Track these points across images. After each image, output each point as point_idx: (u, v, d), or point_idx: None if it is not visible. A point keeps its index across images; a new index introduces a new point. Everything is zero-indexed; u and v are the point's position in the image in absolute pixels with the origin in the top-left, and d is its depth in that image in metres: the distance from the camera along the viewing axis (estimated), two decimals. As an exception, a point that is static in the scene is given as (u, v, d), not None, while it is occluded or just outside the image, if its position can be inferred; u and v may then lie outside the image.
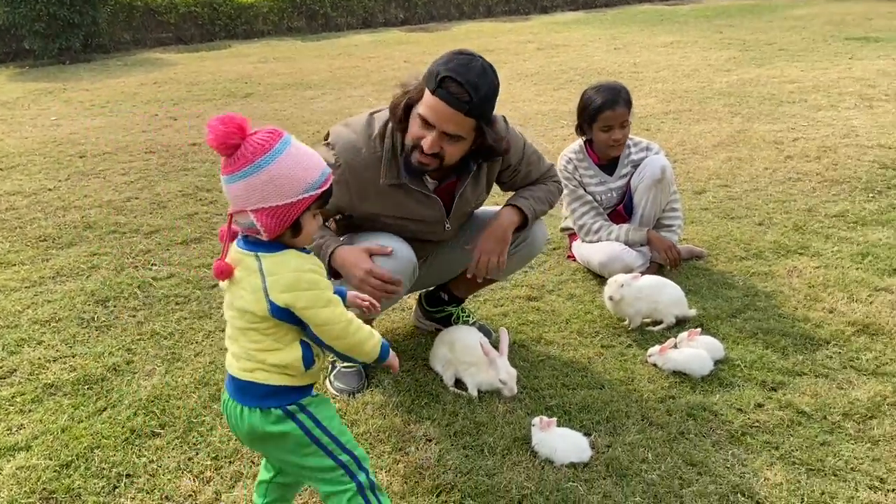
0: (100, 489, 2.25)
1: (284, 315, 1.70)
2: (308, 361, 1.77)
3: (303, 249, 1.76)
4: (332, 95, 8.46)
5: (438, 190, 2.62)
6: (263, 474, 1.99)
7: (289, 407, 1.75)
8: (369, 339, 1.80)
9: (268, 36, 14.53)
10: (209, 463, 2.34)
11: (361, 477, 1.81)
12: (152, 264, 3.85)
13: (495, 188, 2.86)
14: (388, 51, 12.12)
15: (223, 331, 3.12)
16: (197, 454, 2.39)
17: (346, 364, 2.75)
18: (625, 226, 3.57)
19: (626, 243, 3.52)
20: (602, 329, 3.13)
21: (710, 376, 2.73)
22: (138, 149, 6.21)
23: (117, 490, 2.25)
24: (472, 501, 2.16)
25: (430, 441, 2.43)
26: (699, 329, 2.93)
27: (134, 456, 2.39)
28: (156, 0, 13.43)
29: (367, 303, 2.03)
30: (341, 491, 1.79)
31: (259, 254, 1.71)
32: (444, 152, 2.40)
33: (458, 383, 2.71)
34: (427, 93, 2.33)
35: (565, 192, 3.64)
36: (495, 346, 2.60)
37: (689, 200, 4.60)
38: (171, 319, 3.26)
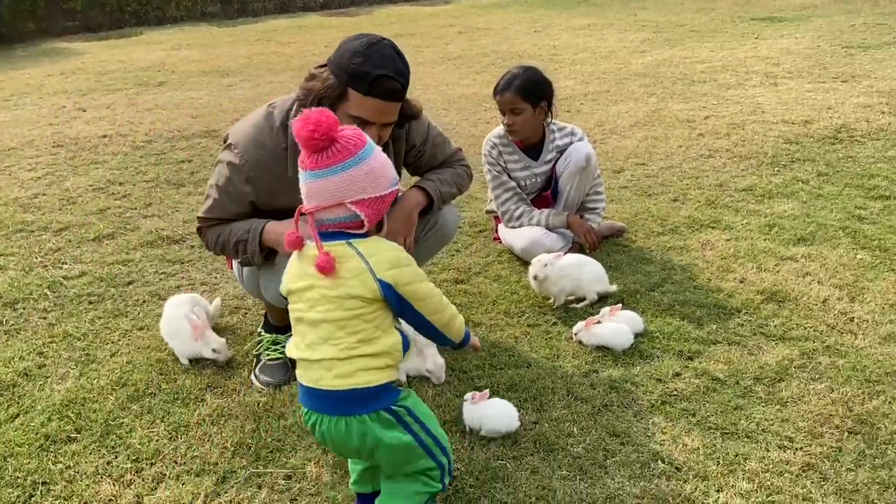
0: (14, 499, 2.16)
1: (390, 293, 1.76)
2: (405, 345, 1.83)
3: None
4: (251, 82, 8.26)
5: None
6: (356, 464, 2.03)
7: (395, 408, 1.80)
8: (457, 315, 1.93)
9: (181, 22, 14.08)
10: (129, 466, 2.27)
11: (446, 481, 1.93)
12: (63, 263, 3.69)
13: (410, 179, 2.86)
14: (307, 35, 11.92)
15: (141, 329, 3.04)
16: (116, 458, 2.31)
17: (271, 357, 2.71)
18: (546, 210, 3.63)
19: (548, 228, 3.58)
20: (528, 308, 3.18)
21: (631, 349, 2.82)
22: (45, 143, 5.92)
23: (33, 499, 2.16)
24: (403, 486, 2.18)
25: (358, 428, 2.43)
26: (620, 304, 3.01)
27: (49, 463, 2.29)
28: (59, -14, 12.81)
29: None
30: (428, 491, 1.90)
31: (350, 241, 1.77)
32: (381, 140, 2.38)
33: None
34: (358, 95, 2.24)
35: (488, 177, 3.67)
36: None
37: (609, 179, 4.71)
38: (85, 320, 3.13)
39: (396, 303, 1.78)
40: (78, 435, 2.42)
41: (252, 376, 2.70)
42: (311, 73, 2.37)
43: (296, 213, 1.80)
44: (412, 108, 2.51)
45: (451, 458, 1.93)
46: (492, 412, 2.36)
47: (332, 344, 1.75)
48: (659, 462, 2.24)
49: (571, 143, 3.65)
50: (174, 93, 7.79)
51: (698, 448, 2.29)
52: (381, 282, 1.74)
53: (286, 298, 1.89)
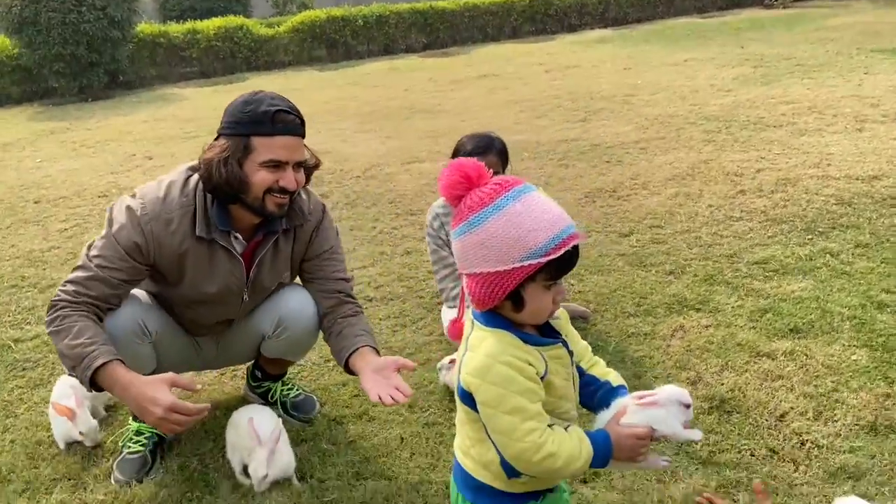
0: None
1: (470, 402, 1.50)
2: (509, 470, 1.51)
3: (527, 335, 1.52)
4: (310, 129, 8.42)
5: (241, 255, 2.48)
6: None
7: None
8: (561, 470, 1.50)
9: (289, 66, 14.74)
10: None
11: None
12: (26, 323, 3.81)
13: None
14: (396, 78, 12.07)
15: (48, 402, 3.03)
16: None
17: (131, 450, 2.58)
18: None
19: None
20: (435, 403, 2.88)
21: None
22: (93, 192, 6.28)
23: None
24: None
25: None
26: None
27: None
28: (178, 36, 13.82)
29: None
30: None
31: (475, 321, 1.53)
32: (298, 184, 2.36)
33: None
34: (262, 139, 2.24)
35: (429, 249, 3.42)
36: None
37: (611, 245, 4.28)
38: (5, 389, 3.18)
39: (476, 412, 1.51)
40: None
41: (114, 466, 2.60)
42: (204, 149, 2.33)
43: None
44: (314, 157, 2.46)
45: None
46: None
47: (458, 431, 1.65)
48: None
49: None
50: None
51: None
52: (459, 383, 1.51)
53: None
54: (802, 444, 2.45)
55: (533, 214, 1.41)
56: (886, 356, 2.90)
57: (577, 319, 3.42)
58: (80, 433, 2.64)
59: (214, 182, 2.29)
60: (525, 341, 1.50)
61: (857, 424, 2.51)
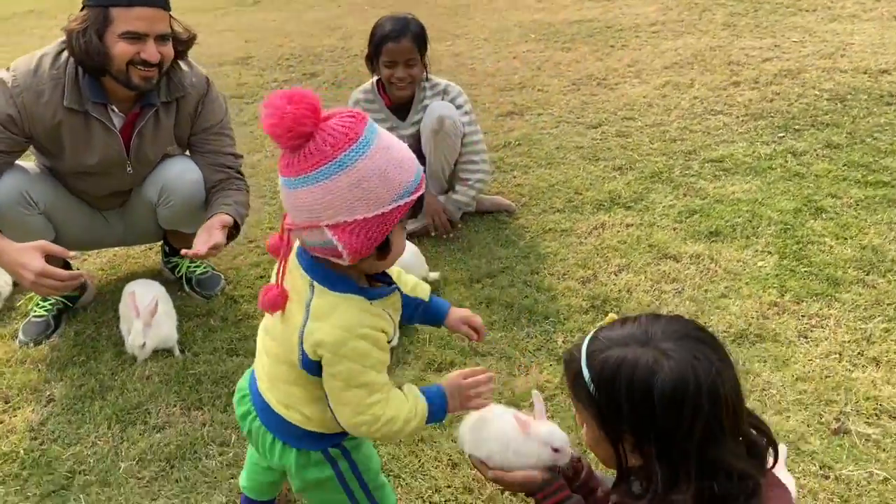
0: None
1: (315, 369, 1.39)
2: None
3: (370, 291, 1.40)
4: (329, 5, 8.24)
5: (121, 130, 2.55)
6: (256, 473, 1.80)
7: (330, 450, 1.53)
8: (399, 432, 1.44)
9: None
10: None
11: None
12: None
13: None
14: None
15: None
16: None
17: (36, 314, 2.76)
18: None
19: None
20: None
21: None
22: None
23: None
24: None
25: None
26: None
27: None
28: None
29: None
30: None
31: (315, 283, 1.37)
32: (163, 57, 2.40)
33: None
34: (121, 10, 2.30)
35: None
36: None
37: (573, 137, 4.13)
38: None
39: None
40: None
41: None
42: (69, 20, 2.38)
43: (281, 224, 1.38)
44: (187, 31, 2.50)
45: None
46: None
47: (273, 385, 1.51)
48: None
49: (434, 103, 3.22)
50: (264, 14, 8.06)
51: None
52: (303, 353, 1.37)
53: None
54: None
55: (394, 151, 1.29)
56: (794, 264, 2.77)
57: (502, 213, 3.38)
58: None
59: (76, 53, 2.33)
60: (371, 299, 1.39)
61: (726, 332, 2.45)
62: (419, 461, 2.07)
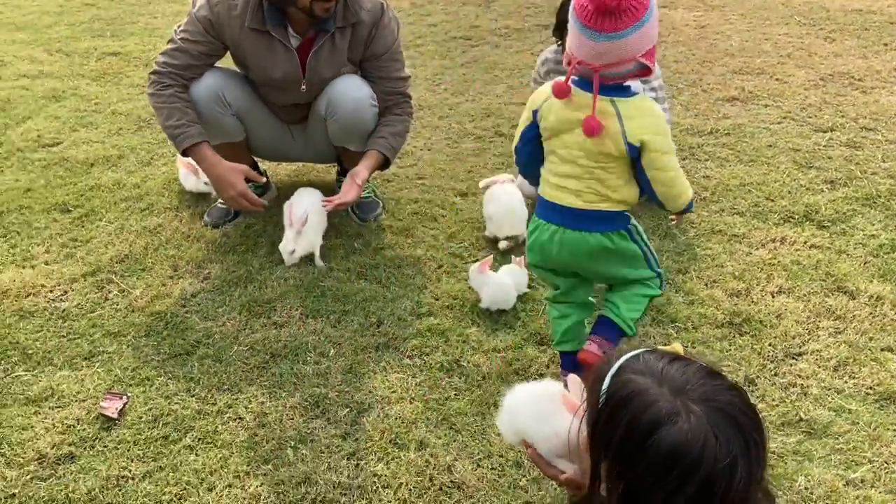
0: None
1: (635, 153, 1.88)
2: (641, 195, 2.01)
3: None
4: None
5: (298, 49, 2.79)
6: (563, 322, 2.17)
7: (629, 227, 2.01)
8: (684, 193, 1.97)
9: None
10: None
11: (663, 288, 2.16)
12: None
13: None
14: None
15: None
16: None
17: (221, 202, 3.12)
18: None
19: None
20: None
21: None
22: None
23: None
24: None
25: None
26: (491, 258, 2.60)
27: None
28: None
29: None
30: (650, 294, 2.10)
31: (614, 99, 1.86)
32: None
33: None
34: None
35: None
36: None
37: (796, 138, 3.67)
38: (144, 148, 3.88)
39: (637, 164, 1.91)
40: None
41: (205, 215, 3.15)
42: None
43: (571, 64, 1.86)
44: None
45: (663, 271, 2.14)
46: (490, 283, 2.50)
47: (584, 182, 1.95)
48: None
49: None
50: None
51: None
52: (629, 145, 1.85)
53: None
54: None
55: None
56: None
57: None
58: (205, 183, 3.19)
59: None
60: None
61: (871, 389, 2.11)
62: (484, 423, 2.08)
